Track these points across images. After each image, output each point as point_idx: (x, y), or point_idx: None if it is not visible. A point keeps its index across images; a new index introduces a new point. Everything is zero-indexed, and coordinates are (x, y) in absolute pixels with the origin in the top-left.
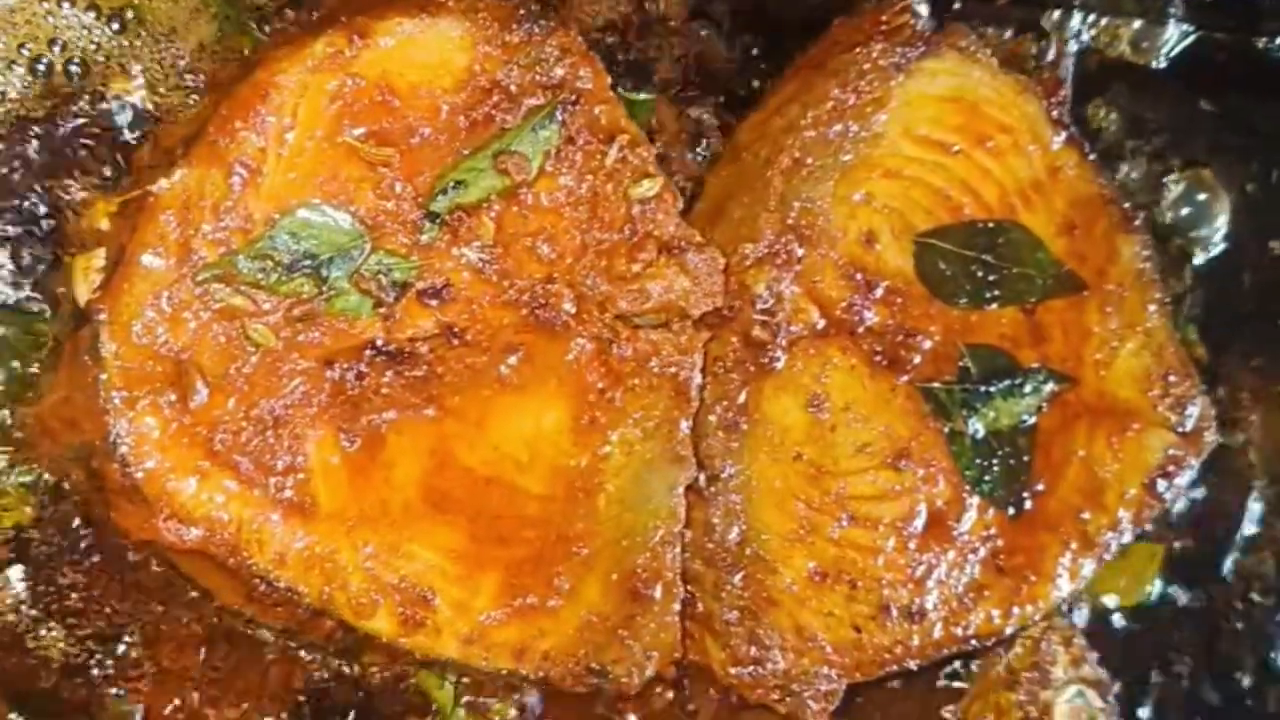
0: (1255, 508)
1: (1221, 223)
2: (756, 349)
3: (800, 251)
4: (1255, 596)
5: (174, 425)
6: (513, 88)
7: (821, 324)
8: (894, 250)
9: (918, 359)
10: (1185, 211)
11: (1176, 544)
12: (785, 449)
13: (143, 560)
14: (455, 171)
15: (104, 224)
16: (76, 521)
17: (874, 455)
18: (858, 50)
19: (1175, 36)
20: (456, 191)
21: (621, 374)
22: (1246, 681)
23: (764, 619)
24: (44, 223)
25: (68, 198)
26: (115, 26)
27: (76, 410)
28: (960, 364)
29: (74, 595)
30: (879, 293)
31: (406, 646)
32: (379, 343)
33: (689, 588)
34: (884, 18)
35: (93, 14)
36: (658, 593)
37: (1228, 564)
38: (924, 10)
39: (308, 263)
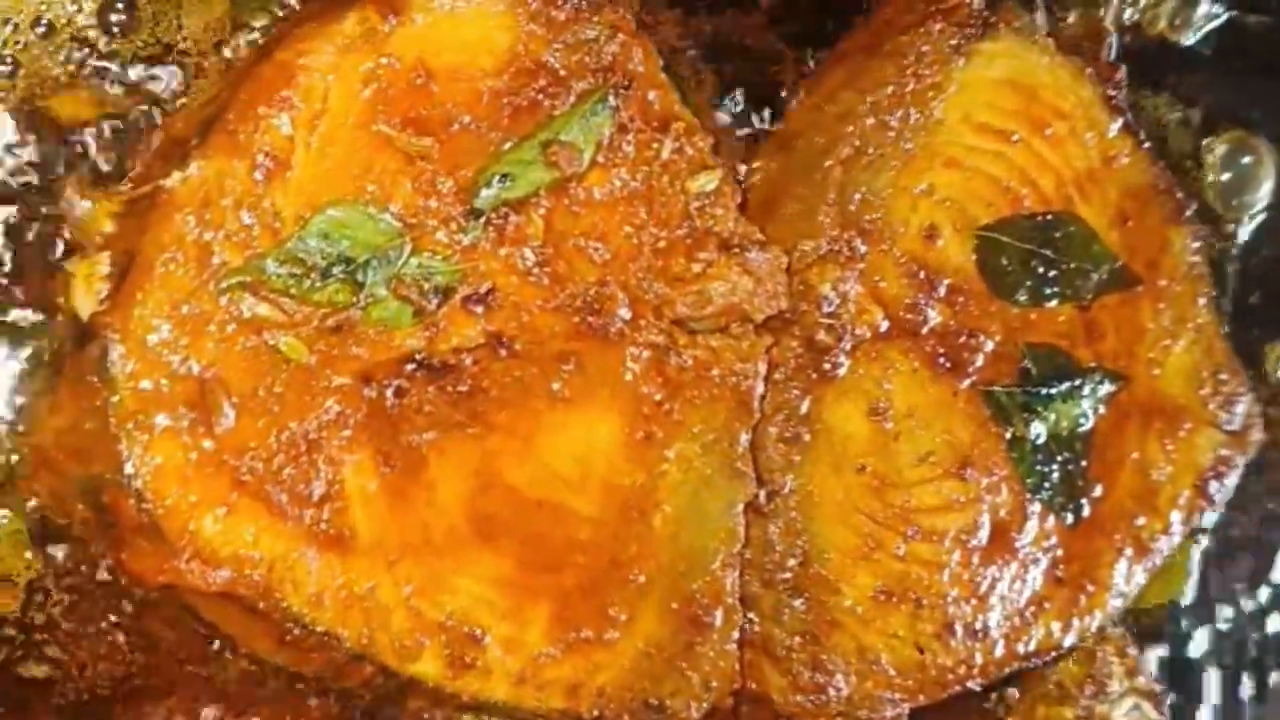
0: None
1: (1267, 191)
2: (819, 354)
3: (863, 248)
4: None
5: (196, 453)
6: (560, 70)
7: (884, 325)
8: (955, 245)
9: (979, 360)
10: (1227, 176)
11: (1210, 542)
12: (848, 460)
13: (156, 607)
14: (500, 163)
15: (106, 225)
16: (82, 568)
17: (937, 464)
18: (914, 32)
19: (1208, 15)
20: (502, 185)
21: (680, 384)
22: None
23: (826, 642)
24: (36, 223)
25: (62, 194)
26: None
27: (82, 438)
28: (1021, 365)
29: (80, 651)
30: (941, 291)
31: (453, 690)
32: (420, 355)
33: (747, 611)
34: None
35: None
36: (718, 619)
37: (1266, 563)
38: None
39: (342, 267)
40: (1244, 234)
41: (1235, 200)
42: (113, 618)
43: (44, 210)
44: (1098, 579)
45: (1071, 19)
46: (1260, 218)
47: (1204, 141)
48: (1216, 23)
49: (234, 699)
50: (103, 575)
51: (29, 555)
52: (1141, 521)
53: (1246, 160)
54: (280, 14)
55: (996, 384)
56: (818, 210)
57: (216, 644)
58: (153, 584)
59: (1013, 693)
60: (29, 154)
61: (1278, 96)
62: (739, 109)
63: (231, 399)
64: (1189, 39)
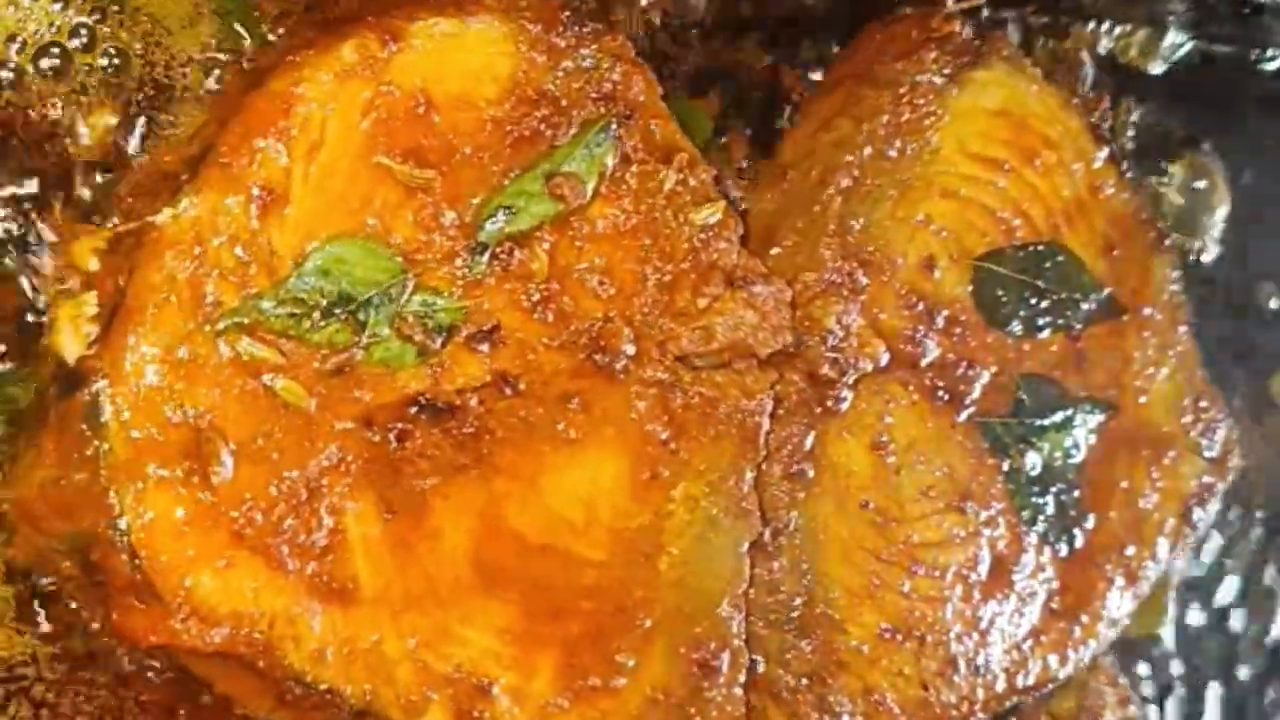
0: (1257, 530)
1: (1222, 215)
2: (823, 388)
3: (864, 280)
4: (1263, 618)
5: (193, 505)
6: (561, 99)
7: (885, 358)
8: (952, 276)
9: (976, 392)
10: (1182, 201)
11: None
12: (852, 496)
13: (147, 670)
14: (503, 196)
15: (91, 263)
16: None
17: (938, 498)
18: (908, 60)
19: (1174, 45)
20: (506, 219)
21: (685, 422)
22: (1268, 702)
23: (833, 683)
24: (13, 261)
25: (44, 230)
26: (94, 21)
27: (70, 492)
28: (1016, 396)
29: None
30: (939, 322)
31: None
32: (424, 397)
33: (753, 653)
34: (931, 24)
35: (60, 4)
36: (725, 663)
37: (1234, 588)
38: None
39: (343, 306)
40: (1201, 258)
41: (1191, 224)
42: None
43: (24, 247)
44: (1091, 609)
45: (1049, 48)
46: (1216, 242)
47: (1163, 166)
48: (1182, 52)
49: None
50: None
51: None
52: (1131, 551)
53: (1202, 185)
54: (270, 39)
55: (993, 415)
56: (818, 242)
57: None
58: (145, 644)
59: None
60: (8, 188)
61: (1233, 124)
62: (733, 138)
63: (229, 447)
64: (1156, 68)
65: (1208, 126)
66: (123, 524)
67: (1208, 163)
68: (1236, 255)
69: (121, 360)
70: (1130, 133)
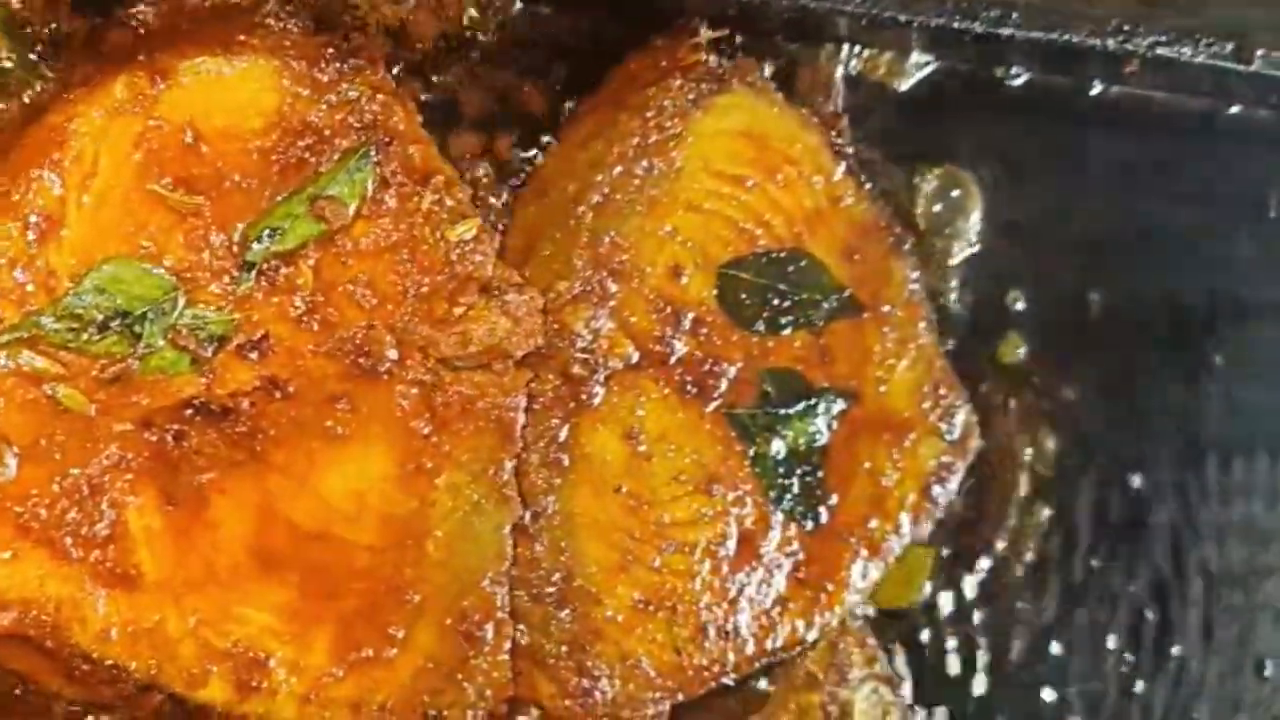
0: (1012, 509)
1: (975, 220)
2: (575, 385)
3: (613, 287)
4: (1022, 589)
5: None
6: (324, 129)
7: (635, 357)
8: (698, 282)
9: (723, 386)
10: (938, 208)
11: (944, 545)
12: (606, 482)
13: None
14: (270, 218)
15: None
16: None
17: (687, 482)
18: (657, 86)
19: (918, 64)
20: (272, 239)
21: (447, 418)
22: (1023, 675)
23: (591, 650)
24: None
25: None
26: None
27: None
28: (761, 388)
29: None
30: (686, 324)
31: (242, 712)
32: (198, 401)
33: (517, 624)
34: (678, 54)
35: None
36: (489, 633)
37: (991, 560)
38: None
39: (119, 320)
40: (955, 261)
41: (947, 230)
42: None
43: None
44: (836, 578)
45: (802, 72)
46: (970, 246)
47: (916, 177)
48: (926, 70)
49: None
50: None
51: None
52: (874, 524)
53: (955, 193)
54: (49, 75)
55: (739, 406)
56: (571, 253)
57: None
58: None
59: (764, 685)
60: None
61: (979, 134)
62: (500, 158)
63: (13, 449)
64: (903, 85)
65: (956, 138)
66: None
67: (959, 172)
68: (987, 257)
69: None
70: (883, 145)
